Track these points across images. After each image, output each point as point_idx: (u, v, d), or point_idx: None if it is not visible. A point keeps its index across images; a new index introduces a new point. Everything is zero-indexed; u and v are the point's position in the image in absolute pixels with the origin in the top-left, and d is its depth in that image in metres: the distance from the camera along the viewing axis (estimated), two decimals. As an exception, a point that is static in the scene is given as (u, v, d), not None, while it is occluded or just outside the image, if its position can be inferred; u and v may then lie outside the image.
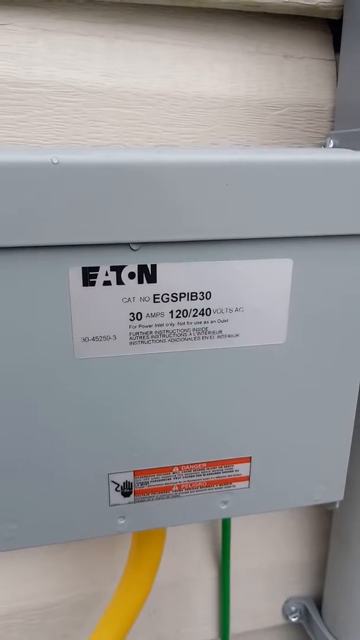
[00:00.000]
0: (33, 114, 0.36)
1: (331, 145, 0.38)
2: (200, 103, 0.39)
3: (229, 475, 0.33)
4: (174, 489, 0.32)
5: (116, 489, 0.31)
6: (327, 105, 0.42)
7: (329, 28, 0.41)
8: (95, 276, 0.27)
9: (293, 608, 0.55)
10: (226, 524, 0.48)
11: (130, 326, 0.28)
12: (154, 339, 0.29)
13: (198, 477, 0.32)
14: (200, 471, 0.32)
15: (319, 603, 0.55)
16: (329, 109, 0.42)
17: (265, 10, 0.38)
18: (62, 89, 0.36)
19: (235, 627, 0.54)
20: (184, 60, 0.39)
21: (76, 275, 0.26)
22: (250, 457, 0.33)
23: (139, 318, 0.28)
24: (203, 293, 0.28)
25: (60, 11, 0.36)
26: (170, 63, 0.38)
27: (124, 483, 0.31)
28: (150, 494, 0.32)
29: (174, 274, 0.28)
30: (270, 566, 0.54)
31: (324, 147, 0.39)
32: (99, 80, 0.37)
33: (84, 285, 0.27)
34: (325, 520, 0.54)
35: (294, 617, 0.55)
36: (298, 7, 0.38)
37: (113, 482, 0.31)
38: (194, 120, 0.39)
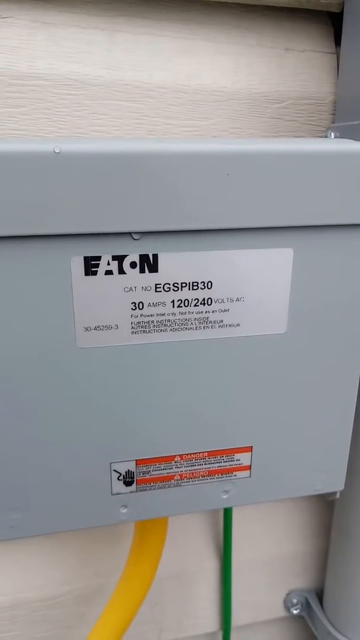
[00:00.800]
0: (35, 107, 0.37)
1: (332, 138, 0.39)
2: (202, 96, 0.39)
3: (230, 465, 0.33)
4: (175, 478, 0.33)
5: (118, 478, 0.32)
6: (328, 98, 0.42)
7: (330, 21, 0.41)
8: (97, 265, 0.27)
9: (294, 600, 0.55)
10: (228, 516, 0.49)
11: (132, 316, 0.28)
12: (155, 328, 0.29)
13: (199, 467, 0.33)
14: (201, 460, 0.33)
15: (320, 595, 0.55)
16: (329, 101, 0.42)
17: (267, 3, 0.38)
18: (64, 81, 0.37)
19: (236, 619, 0.54)
20: (186, 53, 0.39)
21: (78, 265, 0.27)
22: (252, 447, 0.33)
23: (140, 307, 0.28)
24: (204, 283, 0.29)
25: (61, 4, 0.37)
26: (172, 56, 0.39)
27: (125, 472, 0.32)
28: (152, 483, 0.32)
29: (176, 263, 0.28)
30: (271, 558, 0.54)
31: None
32: (101, 73, 0.37)
33: (85, 275, 0.27)
34: (326, 513, 0.54)
35: (296, 610, 0.55)
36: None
37: (115, 471, 0.31)
38: (195, 113, 0.39)
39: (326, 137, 0.39)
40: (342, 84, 0.40)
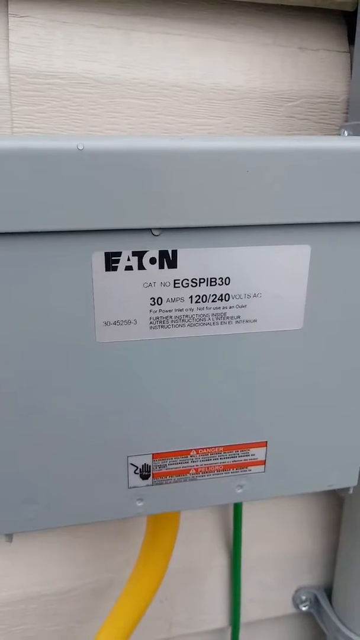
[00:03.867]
0: (51, 105, 0.37)
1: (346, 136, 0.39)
2: (216, 94, 0.39)
3: (245, 460, 0.33)
4: (191, 472, 0.33)
5: (135, 472, 0.32)
6: (341, 97, 0.42)
7: (344, 20, 0.42)
8: (117, 261, 0.27)
9: (303, 597, 0.56)
10: (238, 512, 0.49)
11: (150, 311, 0.29)
12: (173, 323, 0.29)
13: (215, 461, 0.33)
14: (217, 455, 0.33)
15: (329, 592, 0.55)
16: (342, 100, 0.42)
17: (281, 2, 0.39)
18: (80, 80, 0.37)
19: (245, 615, 0.55)
20: (200, 52, 0.39)
21: (99, 260, 0.27)
22: (267, 442, 0.33)
23: (159, 303, 0.29)
24: (222, 279, 0.29)
25: (78, 3, 0.37)
26: (186, 55, 0.39)
27: (142, 466, 0.32)
28: (168, 477, 0.33)
29: (194, 259, 0.28)
30: (281, 555, 0.54)
31: (338, 138, 0.39)
32: (116, 72, 0.38)
33: (106, 270, 0.27)
34: (336, 509, 0.54)
35: (304, 606, 0.56)
36: (314, -2, 0.38)
37: (132, 464, 0.32)
38: (209, 111, 0.40)
39: (339, 135, 0.39)
40: (355, 83, 0.40)
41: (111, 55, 0.38)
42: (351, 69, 0.41)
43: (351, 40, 0.41)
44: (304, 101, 0.41)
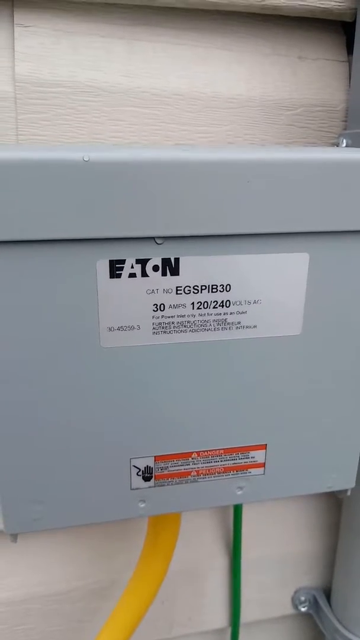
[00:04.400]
0: (56, 113, 0.38)
1: (344, 144, 0.40)
2: (217, 103, 0.40)
3: (245, 462, 0.34)
4: (192, 474, 0.34)
5: (137, 474, 0.33)
6: (339, 106, 0.43)
7: (343, 30, 0.42)
8: (121, 269, 0.28)
9: (302, 598, 0.56)
10: (237, 514, 0.49)
11: (153, 317, 0.29)
12: (175, 329, 0.30)
13: (215, 463, 0.34)
14: (217, 457, 0.34)
15: (328, 593, 0.56)
16: (341, 109, 0.43)
17: (281, 12, 0.39)
18: (84, 89, 0.38)
19: (245, 616, 0.55)
20: (202, 61, 0.40)
21: (104, 268, 0.28)
22: (266, 445, 0.34)
23: (162, 309, 0.29)
24: (223, 285, 0.30)
25: (82, 13, 0.38)
26: (188, 64, 0.40)
27: (145, 468, 0.33)
28: (169, 479, 0.33)
29: (196, 267, 0.29)
30: (280, 557, 0.55)
31: (337, 146, 0.40)
32: (119, 81, 0.38)
33: (110, 277, 0.28)
34: (334, 512, 0.55)
35: (304, 607, 0.56)
36: (313, 9, 0.39)
37: (135, 466, 0.32)
38: (210, 119, 0.40)
39: (338, 143, 0.40)
40: (354, 92, 0.41)
41: (115, 64, 0.38)
42: (350, 78, 0.42)
43: (350, 50, 0.42)
44: (303, 110, 0.42)
